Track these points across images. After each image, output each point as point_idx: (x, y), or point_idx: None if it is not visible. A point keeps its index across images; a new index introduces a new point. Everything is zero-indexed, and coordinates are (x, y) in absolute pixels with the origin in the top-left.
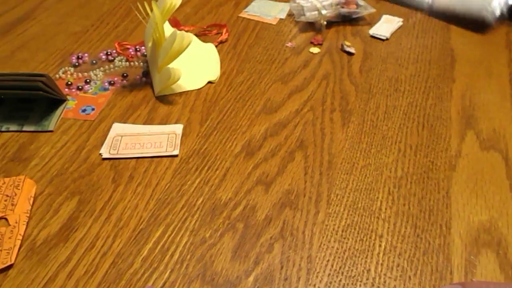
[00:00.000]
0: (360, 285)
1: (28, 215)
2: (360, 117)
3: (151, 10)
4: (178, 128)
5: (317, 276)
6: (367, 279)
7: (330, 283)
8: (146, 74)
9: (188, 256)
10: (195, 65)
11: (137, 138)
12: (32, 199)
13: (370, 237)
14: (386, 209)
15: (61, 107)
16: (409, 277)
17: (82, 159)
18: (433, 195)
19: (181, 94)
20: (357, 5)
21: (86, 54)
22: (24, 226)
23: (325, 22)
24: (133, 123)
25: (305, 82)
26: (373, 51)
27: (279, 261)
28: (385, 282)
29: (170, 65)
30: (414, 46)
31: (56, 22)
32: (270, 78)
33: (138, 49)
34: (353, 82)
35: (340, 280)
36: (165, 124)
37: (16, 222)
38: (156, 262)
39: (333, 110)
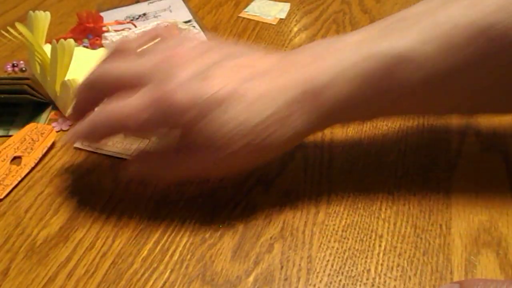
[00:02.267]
0: (360, 285)
1: (36, 161)
2: None
3: (20, 33)
4: None
5: (317, 276)
6: (367, 279)
7: (330, 283)
8: None
9: (188, 256)
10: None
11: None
12: (46, 149)
13: (370, 237)
14: (386, 209)
15: (48, 110)
16: (409, 277)
17: (82, 159)
18: (433, 195)
19: None
20: (179, 30)
21: None
22: (28, 170)
23: None
24: None
25: None
26: None
27: (279, 261)
28: (385, 282)
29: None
30: None
31: (56, 22)
32: None
33: (15, 65)
34: None
35: (340, 280)
36: None
37: (25, 165)
38: (156, 262)
39: None
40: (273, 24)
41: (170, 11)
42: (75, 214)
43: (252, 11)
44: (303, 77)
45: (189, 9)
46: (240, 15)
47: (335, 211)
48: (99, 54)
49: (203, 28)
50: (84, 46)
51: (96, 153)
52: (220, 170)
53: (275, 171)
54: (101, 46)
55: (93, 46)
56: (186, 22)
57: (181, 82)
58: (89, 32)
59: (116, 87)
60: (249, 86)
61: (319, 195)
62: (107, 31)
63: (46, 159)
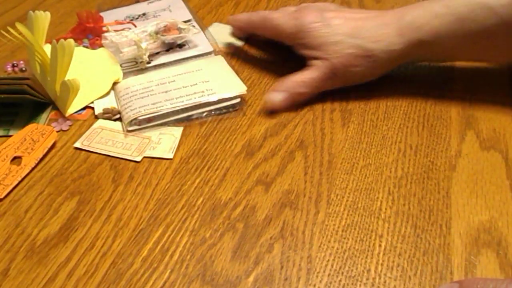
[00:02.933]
0: (360, 285)
1: (36, 162)
2: (360, 117)
3: (20, 33)
4: (177, 131)
5: (317, 276)
6: (367, 279)
7: (330, 283)
8: None
9: (188, 256)
10: (91, 71)
11: (113, 135)
12: (46, 149)
13: (370, 237)
14: (386, 209)
15: (48, 110)
16: (409, 277)
17: (82, 159)
18: (433, 195)
19: None
20: (179, 30)
21: None
22: (28, 170)
23: (146, 57)
24: None
25: None
26: None
27: (279, 261)
28: (385, 282)
29: (65, 79)
30: None
31: (56, 22)
32: (270, 78)
33: (15, 65)
34: None
35: (340, 280)
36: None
37: (25, 165)
38: (156, 262)
39: (333, 110)
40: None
41: (170, 10)
42: (75, 214)
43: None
44: (396, 15)
45: (189, 8)
46: None
47: (335, 211)
48: (99, 54)
49: (203, 28)
50: (84, 46)
51: (96, 153)
52: (338, 76)
53: (275, 171)
54: (101, 46)
55: (93, 46)
56: (185, 21)
57: (312, 11)
58: (89, 32)
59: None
60: (356, 16)
61: (319, 195)
62: (107, 31)
63: (46, 159)
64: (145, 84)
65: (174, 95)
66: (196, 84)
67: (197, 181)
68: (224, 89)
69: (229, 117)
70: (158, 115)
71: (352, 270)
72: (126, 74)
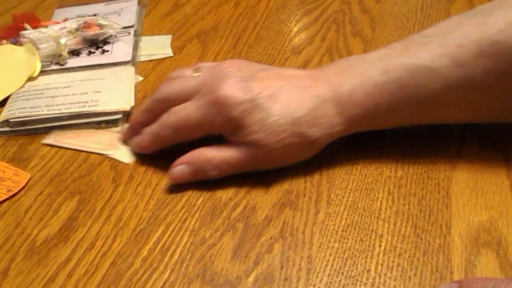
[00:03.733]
0: (360, 285)
1: None
2: None
3: None
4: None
5: (317, 276)
6: (367, 279)
7: (330, 283)
8: None
9: (188, 256)
10: (8, 67)
11: (84, 130)
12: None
13: (370, 237)
14: (386, 209)
15: None
16: (409, 277)
17: (82, 159)
18: (433, 195)
19: None
20: (100, 26)
21: None
22: None
23: (66, 53)
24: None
25: None
26: None
27: (279, 261)
28: (385, 282)
29: None
30: None
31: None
32: None
33: None
34: None
35: (340, 280)
36: None
37: None
38: (156, 262)
39: None
40: (273, 24)
41: (119, 14)
42: (75, 214)
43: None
44: (331, 85)
45: (139, 16)
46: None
47: (335, 211)
48: (22, 50)
49: (138, 35)
50: (12, 43)
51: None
52: (268, 161)
53: (275, 171)
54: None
55: (20, 44)
56: (125, 27)
57: (232, 84)
58: (21, 31)
59: (175, 101)
60: (287, 89)
61: (319, 195)
62: (26, 29)
63: (46, 159)
64: (42, 86)
65: (57, 102)
66: (87, 93)
67: (197, 181)
68: (108, 103)
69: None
70: (33, 120)
71: (352, 270)
72: (47, 72)
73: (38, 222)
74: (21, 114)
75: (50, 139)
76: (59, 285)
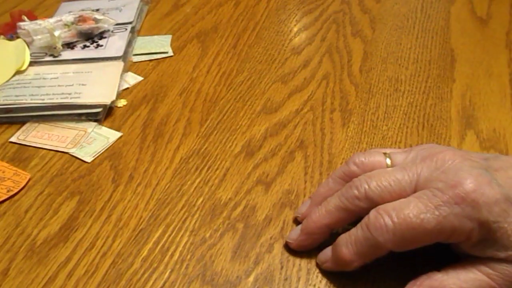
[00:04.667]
0: (360, 285)
1: None
2: (360, 117)
3: None
4: (112, 134)
5: (317, 276)
6: (367, 279)
7: (330, 283)
8: None
9: (188, 256)
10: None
11: (50, 128)
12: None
13: None
14: None
15: None
16: (409, 278)
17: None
18: None
19: (181, 94)
20: (96, 20)
21: None
22: None
23: (60, 45)
24: (133, 123)
25: (305, 82)
26: (373, 51)
27: (279, 261)
28: (385, 282)
29: None
30: (414, 46)
31: None
32: (270, 78)
33: None
34: (353, 82)
35: (340, 280)
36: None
37: None
38: (156, 262)
39: (333, 110)
40: (273, 24)
41: (120, 10)
42: (75, 214)
43: (147, 51)
44: None
45: (140, 13)
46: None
47: None
48: (14, 44)
49: (134, 32)
50: (8, 39)
51: (31, 146)
52: None
53: (275, 171)
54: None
55: (15, 39)
56: (124, 23)
57: (477, 176)
58: (17, 28)
59: (383, 200)
60: None
61: None
62: (23, 21)
63: (46, 159)
64: (31, 76)
65: (42, 92)
66: (72, 85)
67: (197, 181)
68: (90, 96)
69: (229, 117)
70: (17, 108)
71: (352, 270)
72: (40, 63)
73: (38, 222)
74: (5, 102)
75: (14, 138)
76: (59, 285)
